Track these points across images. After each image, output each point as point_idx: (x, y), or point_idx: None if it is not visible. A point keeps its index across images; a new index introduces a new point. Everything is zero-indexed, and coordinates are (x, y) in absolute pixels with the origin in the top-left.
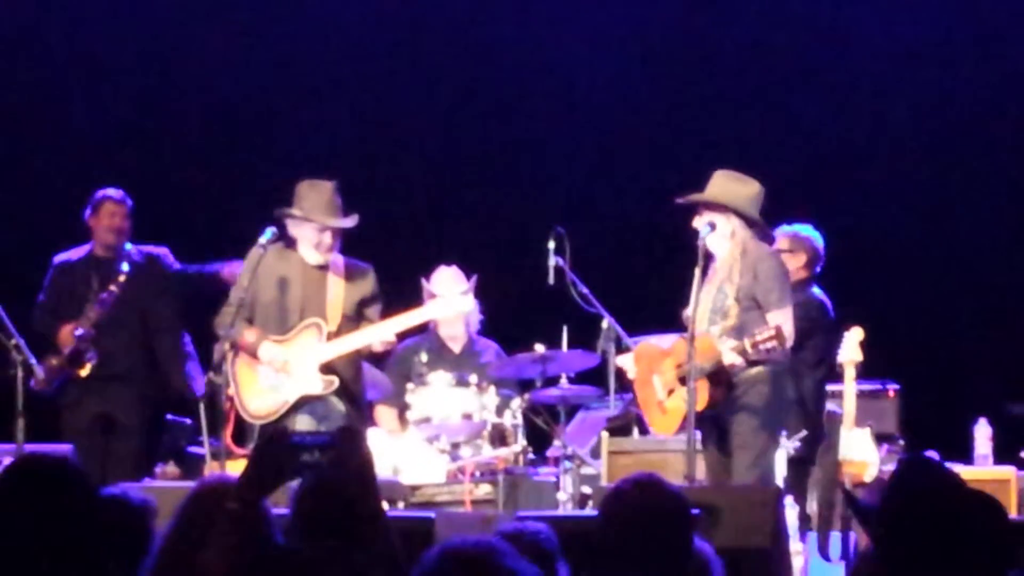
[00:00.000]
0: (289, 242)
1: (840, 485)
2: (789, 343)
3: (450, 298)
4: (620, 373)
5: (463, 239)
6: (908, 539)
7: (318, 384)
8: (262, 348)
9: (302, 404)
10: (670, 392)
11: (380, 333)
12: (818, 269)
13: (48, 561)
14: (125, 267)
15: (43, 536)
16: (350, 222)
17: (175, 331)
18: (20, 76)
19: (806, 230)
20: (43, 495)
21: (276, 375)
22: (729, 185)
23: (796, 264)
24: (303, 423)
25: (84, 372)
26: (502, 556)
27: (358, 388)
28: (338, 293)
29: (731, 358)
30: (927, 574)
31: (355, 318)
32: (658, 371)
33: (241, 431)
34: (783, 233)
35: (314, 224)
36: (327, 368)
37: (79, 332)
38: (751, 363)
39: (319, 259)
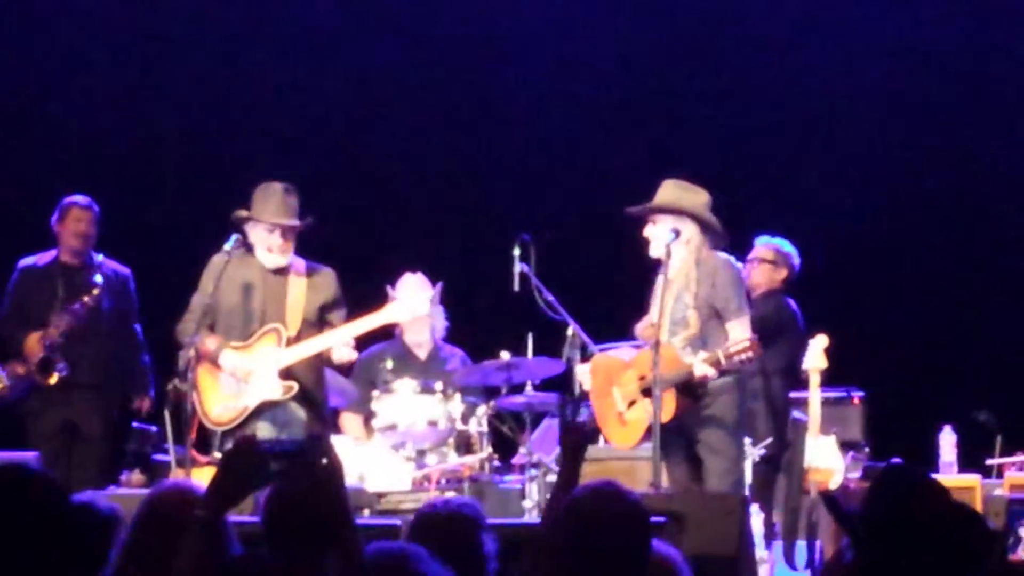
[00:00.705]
0: (251, 248)
1: (822, 492)
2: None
3: (408, 301)
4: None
5: (428, 246)
6: (891, 545)
7: (277, 390)
8: (223, 356)
9: (263, 411)
10: (631, 404)
11: (339, 337)
12: (791, 284)
13: (18, 568)
14: (99, 279)
15: (14, 542)
16: (295, 221)
17: (139, 350)
18: None
19: (787, 246)
20: (14, 501)
21: (237, 382)
22: (682, 192)
23: (777, 277)
24: (264, 430)
25: (52, 381)
26: (415, 561)
27: (319, 394)
28: (298, 297)
29: (703, 369)
30: None
31: (317, 323)
32: (618, 383)
33: (204, 439)
34: (767, 244)
35: (263, 225)
36: (286, 374)
37: (48, 341)
38: (721, 373)
39: (274, 261)
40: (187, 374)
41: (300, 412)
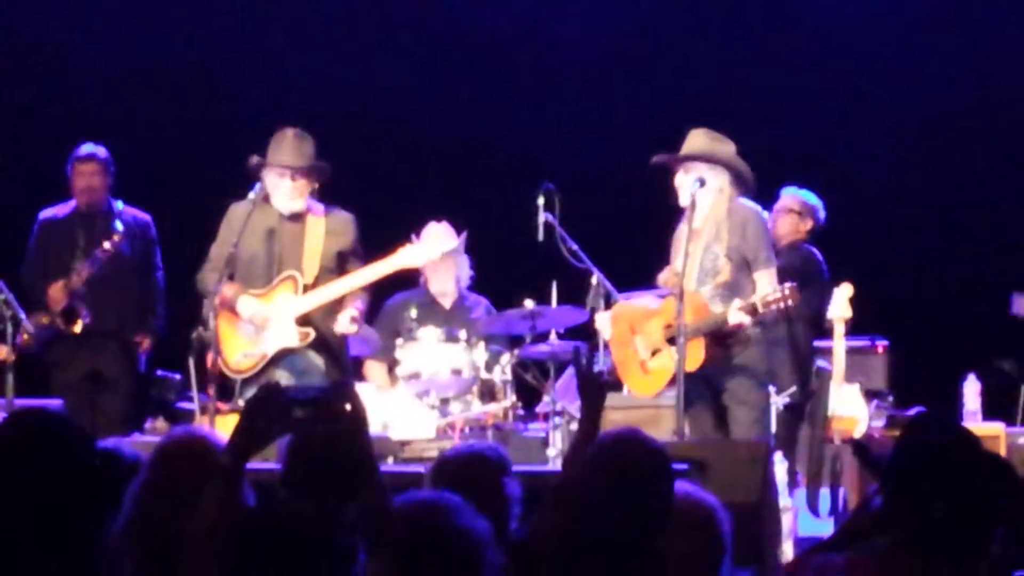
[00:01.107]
0: (267, 197)
1: (851, 440)
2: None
3: (421, 245)
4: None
5: (453, 195)
6: (921, 494)
7: (294, 337)
8: (241, 302)
9: (281, 358)
10: (655, 352)
11: (354, 282)
12: (817, 235)
13: (48, 514)
14: (119, 225)
15: (38, 486)
16: (305, 163)
17: (156, 298)
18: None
19: (813, 198)
20: (42, 448)
21: (255, 330)
22: (712, 142)
23: (803, 228)
24: (282, 378)
25: (77, 329)
26: (454, 514)
27: (337, 341)
28: (315, 245)
29: (738, 317)
30: (937, 528)
31: (335, 269)
32: (641, 331)
33: (225, 387)
34: (792, 195)
35: (276, 169)
36: (304, 320)
37: (71, 290)
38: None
39: (288, 206)
40: (209, 322)
41: (318, 360)
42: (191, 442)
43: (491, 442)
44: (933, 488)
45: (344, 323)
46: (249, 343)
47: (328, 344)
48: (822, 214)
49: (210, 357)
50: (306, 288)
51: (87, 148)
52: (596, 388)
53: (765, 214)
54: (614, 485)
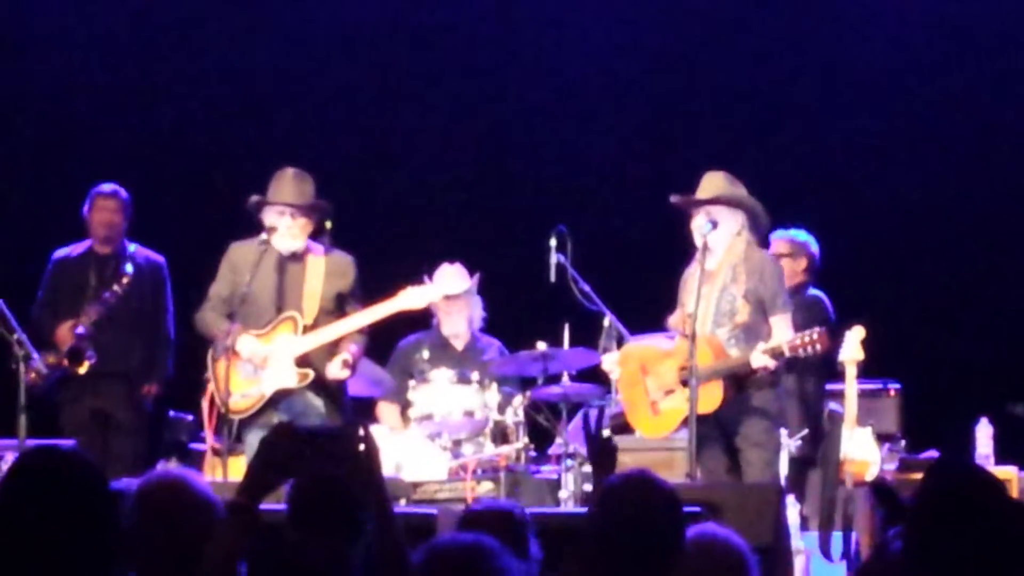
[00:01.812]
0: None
1: (873, 482)
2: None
3: (423, 287)
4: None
5: (465, 237)
6: (944, 539)
7: (293, 377)
8: (240, 342)
9: (279, 400)
10: (668, 392)
11: (354, 324)
12: (815, 274)
13: (61, 553)
14: (129, 268)
15: (52, 524)
16: (303, 200)
17: (163, 343)
18: (21, 70)
19: (802, 235)
20: (56, 486)
21: (254, 369)
22: (731, 185)
23: (797, 268)
24: (279, 420)
25: (82, 370)
26: (492, 556)
27: (335, 382)
28: (316, 286)
29: (762, 361)
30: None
31: (335, 311)
32: (654, 372)
33: (221, 427)
34: (781, 237)
35: (275, 208)
36: (303, 361)
37: (79, 330)
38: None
39: (286, 245)
40: (211, 360)
41: (317, 401)
42: (168, 485)
43: (515, 503)
44: (959, 534)
45: (335, 368)
46: (247, 383)
47: (326, 385)
48: (814, 248)
49: (208, 394)
50: (306, 329)
51: (109, 186)
52: (607, 452)
53: None
54: (624, 526)
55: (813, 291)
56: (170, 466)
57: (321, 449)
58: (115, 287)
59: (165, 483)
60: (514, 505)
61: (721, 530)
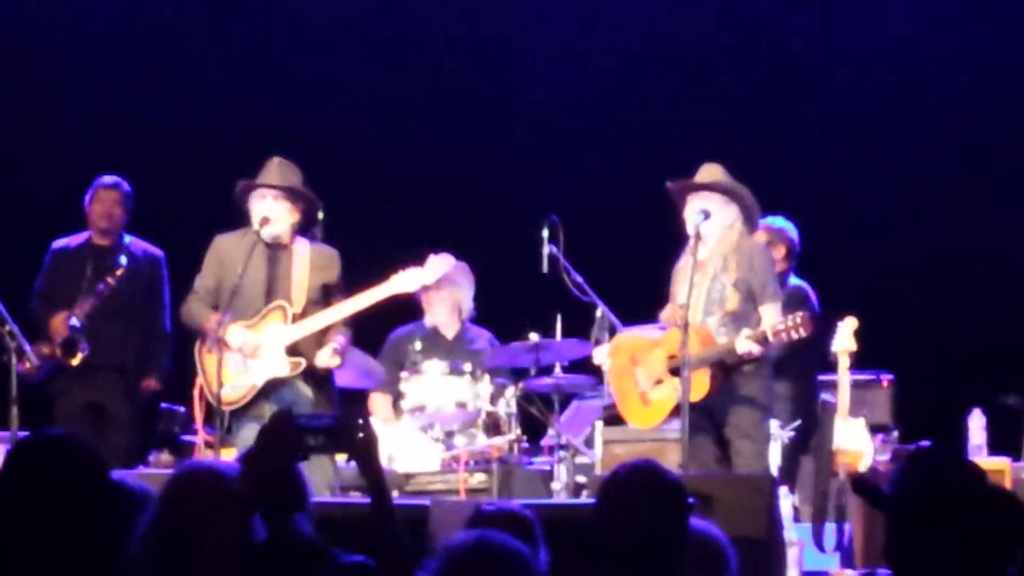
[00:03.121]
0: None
1: (851, 475)
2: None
3: (413, 271)
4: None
5: (458, 227)
6: (923, 528)
7: (285, 366)
8: (229, 333)
9: (269, 390)
10: (657, 382)
11: (345, 310)
12: (795, 260)
13: (61, 540)
14: (123, 260)
15: (53, 510)
16: (285, 183)
17: (158, 337)
18: (22, 65)
19: (780, 221)
20: (57, 470)
21: (243, 360)
22: (727, 177)
23: (777, 256)
24: (270, 411)
25: (75, 361)
26: (512, 542)
27: (324, 372)
28: (303, 276)
29: (747, 346)
30: (940, 565)
31: (321, 301)
32: (643, 362)
33: (211, 418)
34: (759, 225)
35: (258, 193)
36: (293, 350)
37: (72, 322)
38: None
39: (270, 231)
40: (199, 350)
41: (307, 391)
42: (200, 475)
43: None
44: (935, 522)
45: (325, 357)
46: (237, 374)
47: (316, 375)
48: (792, 234)
49: (197, 386)
50: (295, 317)
51: (111, 177)
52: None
53: None
54: (630, 516)
55: (795, 280)
56: (162, 458)
57: (320, 438)
58: (108, 279)
59: (196, 474)
60: (525, 509)
61: (699, 521)
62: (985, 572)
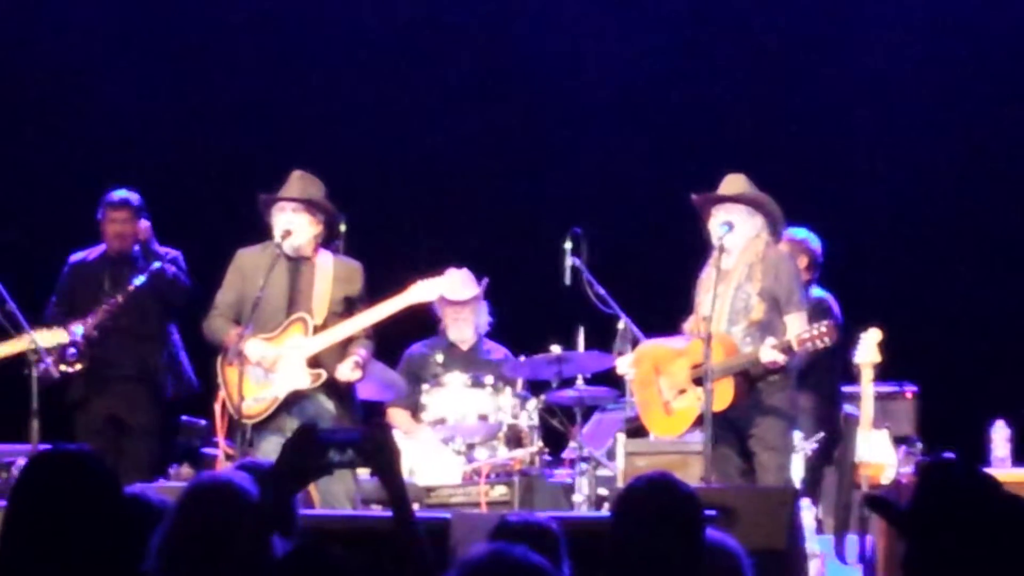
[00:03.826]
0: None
1: (866, 495)
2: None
3: (431, 281)
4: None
5: (480, 238)
6: (941, 541)
7: (306, 379)
8: (249, 346)
9: (291, 403)
10: (680, 392)
11: (365, 321)
12: (818, 271)
13: (69, 553)
14: (140, 280)
15: (67, 526)
16: (302, 195)
17: (169, 346)
18: (35, 72)
19: (802, 233)
20: (71, 487)
21: (265, 373)
22: (751, 187)
23: (800, 267)
24: (292, 424)
25: (79, 366)
26: (530, 555)
27: (346, 384)
28: (324, 288)
29: (771, 355)
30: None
31: (343, 314)
32: (666, 372)
33: (232, 432)
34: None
35: (279, 205)
36: (314, 362)
37: (75, 329)
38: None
39: (291, 244)
40: (220, 365)
41: (329, 404)
42: (218, 487)
43: (550, 520)
44: (954, 534)
45: (346, 370)
46: (258, 387)
47: (338, 388)
48: (815, 244)
49: (219, 399)
50: (316, 329)
51: (120, 194)
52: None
53: None
54: (646, 529)
55: (819, 292)
56: (183, 471)
57: (343, 452)
58: (119, 296)
59: (214, 486)
60: (550, 521)
61: (715, 533)
62: None
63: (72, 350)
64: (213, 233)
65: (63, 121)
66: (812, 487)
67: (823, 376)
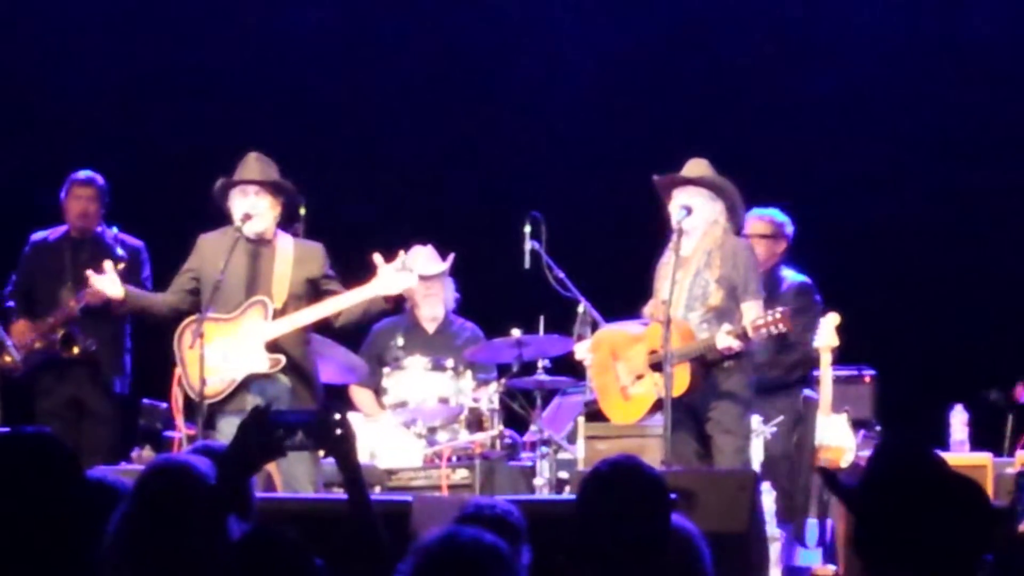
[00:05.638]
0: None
1: (818, 468)
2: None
3: (394, 273)
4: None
5: (440, 222)
6: (890, 520)
7: (264, 362)
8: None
9: (251, 383)
10: (638, 378)
11: (325, 310)
12: (789, 252)
13: (36, 537)
14: (120, 252)
15: (28, 510)
16: (262, 177)
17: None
18: (7, 52)
19: (780, 216)
20: (30, 470)
21: (224, 354)
22: (712, 172)
23: (776, 249)
24: (251, 404)
25: (76, 351)
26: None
27: (307, 366)
28: (284, 271)
29: (727, 341)
30: (906, 555)
31: (304, 296)
32: (624, 357)
33: (190, 411)
34: (761, 217)
35: (237, 188)
36: (273, 346)
37: (69, 317)
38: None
39: (251, 227)
40: (176, 344)
41: (290, 385)
42: (173, 470)
43: (512, 505)
44: (901, 513)
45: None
46: (216, 368)
47: (298, 370)
48: (790, 229)
49: (176, 379)
50: (276, 313)
51: (85, 173)
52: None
53: None
54: (612, 512)
55: (798, 276)
56: (144, 454)
57: (297, 434)
58: (120, 266)
59: (168, 469)
60: (512, 509)
61: (673, 516)
62: (954, 560)
63: (82, 335)
64: (170, 221)
65: (16, 113)
66: (771, 471)
67: (787, 357)
